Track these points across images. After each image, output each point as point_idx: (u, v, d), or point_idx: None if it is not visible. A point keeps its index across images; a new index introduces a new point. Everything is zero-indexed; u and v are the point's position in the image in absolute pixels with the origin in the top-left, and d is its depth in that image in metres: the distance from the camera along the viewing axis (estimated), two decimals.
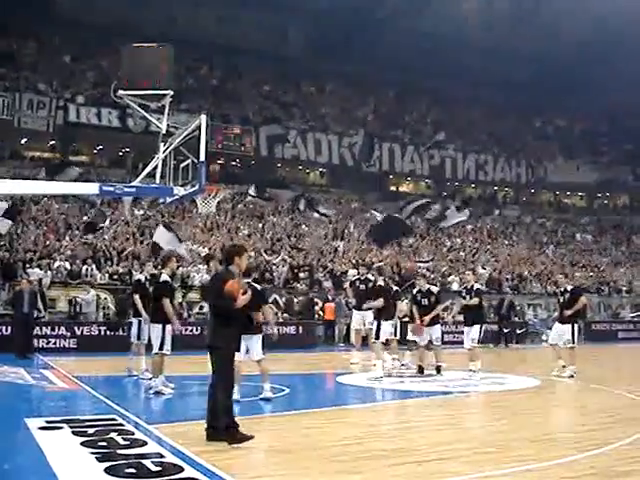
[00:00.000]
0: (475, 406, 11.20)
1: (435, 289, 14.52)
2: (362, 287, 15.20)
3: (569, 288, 14.22)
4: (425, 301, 13.93)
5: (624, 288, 33.72)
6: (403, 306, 15.79)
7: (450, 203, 35.68)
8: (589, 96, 40.84)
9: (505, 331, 25.48)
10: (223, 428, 7.08)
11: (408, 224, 31.17)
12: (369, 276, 15.31)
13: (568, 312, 13.85)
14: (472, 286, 14.26)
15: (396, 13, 38.34)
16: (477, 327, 13.94)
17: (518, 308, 27.80)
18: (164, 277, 11.04)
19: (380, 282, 14.89)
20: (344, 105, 41.78)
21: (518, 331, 26.75)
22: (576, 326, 14.03)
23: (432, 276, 26.16)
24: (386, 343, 14.89)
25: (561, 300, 14.12)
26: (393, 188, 41.66)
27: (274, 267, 25.20)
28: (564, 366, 13.95)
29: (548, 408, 10.54)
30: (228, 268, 7.56)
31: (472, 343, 13.94)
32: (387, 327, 14.58)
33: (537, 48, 38.79)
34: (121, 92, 11.02)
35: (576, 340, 13.97)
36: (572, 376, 13.53)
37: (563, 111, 45.24)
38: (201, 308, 20.79)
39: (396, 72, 39.64)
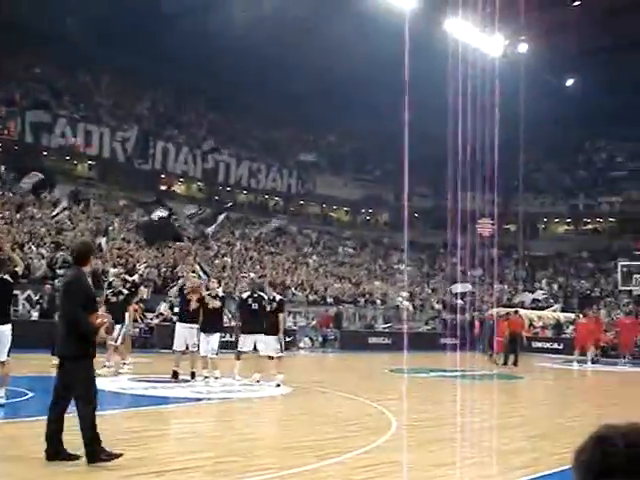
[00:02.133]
0: (224, 414, 11.17)
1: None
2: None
3: (277, 298, 14.47)
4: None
5: (378, 300, 35.68)
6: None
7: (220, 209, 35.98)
8: (361, 115, 42.75)
9: None
10: (87, 444, 6.46)
11: (177, 230, 31.01)
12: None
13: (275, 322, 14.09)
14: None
15: (184, 11, 37.68)
16: (218, 335, 13.97)
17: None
18: None
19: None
20: (120, 98, 40.37)
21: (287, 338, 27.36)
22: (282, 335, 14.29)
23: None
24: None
25: (268, 308, 14.18)
26: (164, 188, 40.91)
27: (31, 262, 23.70)
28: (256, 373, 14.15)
29: (295, 416, 10.76)
30: (80, 269, 6.97)
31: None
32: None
33: (319, 63, 39.81)
34: None
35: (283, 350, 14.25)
36: (279, 385, 13.57)
37: (336, 127, 47.04)
38: None
39: (176, 71, 38.98)
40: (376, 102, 40.06)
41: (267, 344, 13.94)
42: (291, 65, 39.44)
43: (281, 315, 14.29)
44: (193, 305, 13.98)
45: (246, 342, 14.23)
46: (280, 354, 14.06)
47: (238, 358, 14.24)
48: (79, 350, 6.66)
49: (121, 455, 6.56)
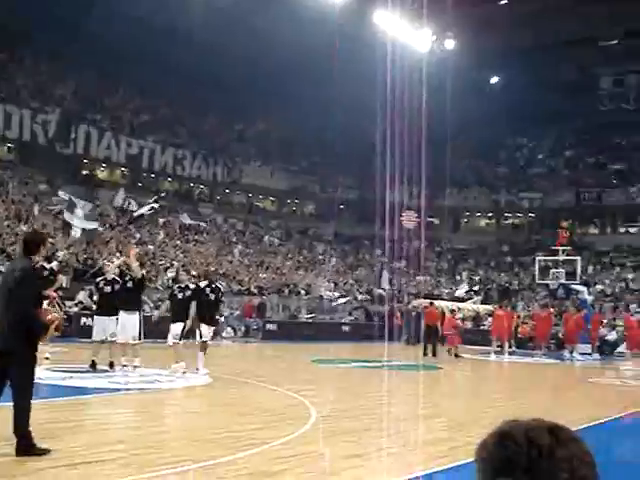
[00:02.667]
0: (141, 405, 10.98)
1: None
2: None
3: (191, 286, 14.35)
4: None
5: (303, 291, 35.79)
6: None
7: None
8: (288, 105, 42.67)
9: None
10: (22, 436, 6.29)
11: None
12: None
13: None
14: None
15: None
16: (137, 317, 13.80)
17: None
18: None
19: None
20: (42, 80, 39.16)
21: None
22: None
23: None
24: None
25: (179, 296, 14.08)
26: (86, 172, 39.92)
27: None
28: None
29: (215, 407, 10.68)
30: (30, 257, 6.69)
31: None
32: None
33: (248, 52, 39.49)
34: None
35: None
36: (184, 373, 13.48)
37: (264, 117, 46.82)
38: None
39: (101, 54, 37.95)
40: (305, 93, 40.08)
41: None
42: (220, 52, 38.96)
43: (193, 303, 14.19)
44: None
45: (206, 332, 14.15)
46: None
47: (204, 349, 14.12)
48: (25, 344, 6.46)
49: (50, 451, 6.45)
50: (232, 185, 45.20)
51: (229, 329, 28.35)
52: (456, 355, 24.43)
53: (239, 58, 39.65)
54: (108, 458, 6.60)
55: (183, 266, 29.90)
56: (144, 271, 15.01)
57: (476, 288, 40.95)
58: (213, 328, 14.62)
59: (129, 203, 35.55)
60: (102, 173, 41.11)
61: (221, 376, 14.11)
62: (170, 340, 13.89)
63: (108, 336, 13.78)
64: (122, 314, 13.64)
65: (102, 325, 13.87)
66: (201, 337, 14.00)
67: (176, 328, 13.88)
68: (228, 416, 9.64)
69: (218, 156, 44.40)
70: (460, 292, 39.94)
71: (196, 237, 37.55)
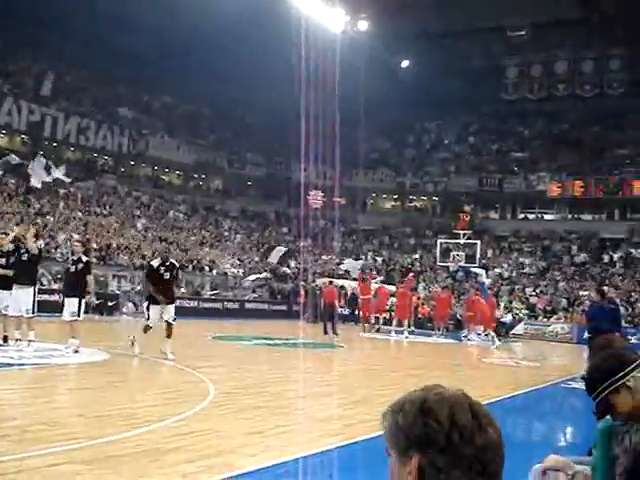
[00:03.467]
0: (35, 380, 10.65)
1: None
2: None
3: (84, 259, 13.84)
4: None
5: (207, 267, 35.50)
6: None
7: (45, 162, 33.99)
8: (197, 79, 41.96)
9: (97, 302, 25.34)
10: None
11: None
12: None
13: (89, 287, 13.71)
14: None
15: None
16: (32, 290, 13.37)
17: (102, 279, 27.66)
18: None
19: None
20: None
21: (110, 303, 26.79)
22: (83, 300, 13.66)
23: None
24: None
25: (72, 269, 13.72)
26: None
27: None
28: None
29: (111, 383, 10.44)
30: None
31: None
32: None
33: (157, 21, 38.50)
34: None
35: (82, 314, 13.60)
36: (77, 351, 13.00)
37: (171, 89, 45.90)
38: None
39: (4, 19, 36.39)
40: (215, 66, 39.49)
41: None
42: (127, 20, 37.87)
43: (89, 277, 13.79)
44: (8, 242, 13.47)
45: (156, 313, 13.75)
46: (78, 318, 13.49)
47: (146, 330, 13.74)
48: None
49: None
50: (137, 157, 44.22)
51: (130, 305, 27.83)
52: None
53: (147, 28, 38.64)
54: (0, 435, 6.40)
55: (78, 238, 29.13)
56: (41, 244, 14.49)
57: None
58: (173, 306, 14.10)
59: (49, 169, 33.91)
60: (1, 140, 39.48)
61: (119, 352, 13.85)
62: (67, 316, 13.40)
63: (2, 309, 13.33)
64: (16, 288, 13.19)
65: None
66: (173, 319, 13.69)
67: (72, 303, 13.42)
68: (124, 393, 9.48)
69: (124, 127, 43.28)
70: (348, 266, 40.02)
71: (98, 209, 36.61)
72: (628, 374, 2.79)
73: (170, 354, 13.32)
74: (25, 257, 13.31)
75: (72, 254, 14.30)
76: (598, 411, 2.93)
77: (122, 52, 39.55)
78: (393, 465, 1.34)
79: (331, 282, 27.90)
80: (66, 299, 13.64)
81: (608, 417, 2.95)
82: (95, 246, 29.95)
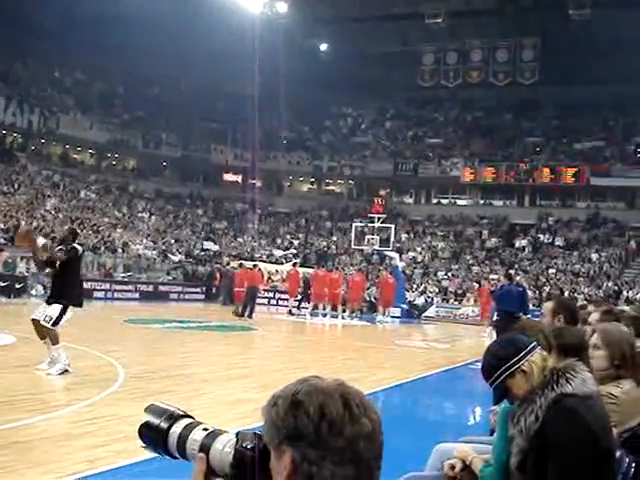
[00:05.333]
0: None
1: None
2: None
3: None
4: None
5: (120, 249, 34.84)
6: None
7: None
8: (111, 56, 40.90)
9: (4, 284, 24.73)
10: None
11: None
12: None
13: None
14: None
15: None
16: None
17: (10, 261, 26.86)
18: None
19: None
20: None
21: (17, 285, 26.08)
22: None
23: None
24: None
25: None
26: None
27: None
28: None
29: (16, 368, 10.15)
30: None
31: None
32: None
33: None
34: None
35: None
36: None
37: (84, 67, 44.56)
38: None
39: None
40: (129, 43, 38.53)
41: None
42: None
43: None
44: None
45: None
46: None
47: None
48: None
49: None
50: (48, 135, 42.86)
51: (39, 287, 27.07)
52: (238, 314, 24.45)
53: (59, 2, 37.47)
54: None
55: None
56: None
57: (293, 251, 41.69)
58: None
59: None
60: None
61: (24, 336, 13.47)
62: None
63: None
64: None
65: None
66: None
67: None
68: (29, 377, 9.23)
69: (34, 104, 41.84)
70: (278, 253, 40.58)
71: (5, 188, 35.40)
72: (522, 359, 2.89)
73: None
74: None
75: None
76: (496, 396, 3.02)
77: (32, 26, 38.19)
78: (272, 462, 1.35)
79: (255, 265, 27.87)
80: None
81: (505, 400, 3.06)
82: (2, 226, 28.97)
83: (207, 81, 44.11)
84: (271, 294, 34.36)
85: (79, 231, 13.24)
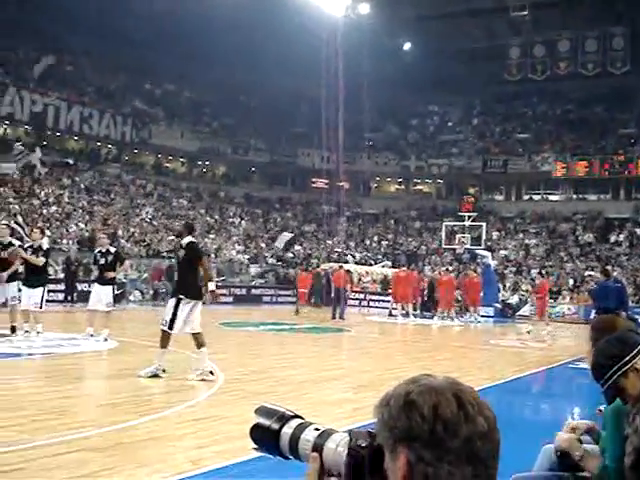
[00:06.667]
0: (44, 370, 10.69)
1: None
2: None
3: (112, 250, 14.24)
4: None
5: (212, 254, 35.54)
6: None
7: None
8: (199, 66, 41.91)
9: None
10: None
11: None
12: None
13: (111, 274, 13.86)
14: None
15: None
16: (41, 289, 13.40)
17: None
18: None
19: None
20: None
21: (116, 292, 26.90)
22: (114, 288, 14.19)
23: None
24: None
25: (101, 261, 13.90)
26: None
27: None
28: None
29: (120, 371, 10.45)
30: None
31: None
32: None
33: (160, 9, 38.40)
34: None
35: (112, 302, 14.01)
36: (106, 339, 13.28)
37: (173, 77, 45.84)
38: None
39: (7, 7, 36.32)
40: (217, 53, 39.40)
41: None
42: (129, 8, 37.83)
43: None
44: (17, 267, 13.50)
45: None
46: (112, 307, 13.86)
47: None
48: None
49: None
50: (141, 145, 44.20)
51: (137, 293, 27.93)
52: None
53: (150, 15, 38.58)
54: (6, 424, 6.43)
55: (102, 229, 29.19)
56: (45, 240, 14.53)
57: (389, 263, 41.40)
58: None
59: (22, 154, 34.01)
60: (4, 130, 39.46)
61: (128, 340, 13.91)
62: (103, 306, 13.61)
63: (9, 299, 13.39)
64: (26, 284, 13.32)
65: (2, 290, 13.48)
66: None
67: (106, 294, 13.72)
68: (132, 380, 9.50)
69: (127, 115, 43.24)
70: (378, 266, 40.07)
71: (102, 198, 36.65)
72: (635, 357, 2.80)
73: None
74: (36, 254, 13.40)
75: (99, 247, 14.44)
76: (608, 396, 2.93)
77: (124, 40, 39.43)
78: (386, 462, 1.34)
79: (341, 267, 27.96)
80: (100, 288, 13.83)
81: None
82: (104, 236, 29.96)
83: (292, 86, 44.52)
84: (362, 295, 34.34)
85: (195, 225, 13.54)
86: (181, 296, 9.76)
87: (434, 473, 1.26)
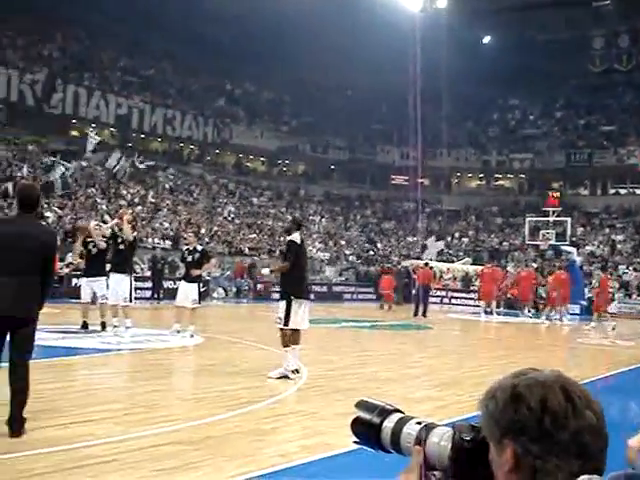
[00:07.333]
0: (133, 365, 11.03)
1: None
2: None
3: (199, 248, 14.40)
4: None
5: None
6: None
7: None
8: (277, 66, 42.31)
9: None
10: (21, 409, 5.78)
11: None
12: None
13: (197, 272, 14.04)
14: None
15: None
16: (127, 280, 13.71)
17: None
18: None
19: None
20: (29, 39, 38.45)
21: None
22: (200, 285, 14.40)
23: None
24: None
25: (189, 259, 14.11)
26: (76, 133, 39.51)
27: None
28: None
29: (205, 367, 10.65)
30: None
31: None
32: None
33: (237, 10, 38.99)
34: None
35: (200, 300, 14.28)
36: (192, 336, 13.47)
37: (252, 77, 46.43)
38: None
39: (90, 12, 37.52)
40: (295, 52, 39.67)
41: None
42: (210, 11, 38.52)
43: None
44: (77, 246, 14.05)
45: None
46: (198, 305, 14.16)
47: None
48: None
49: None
50: (222, 145, 44.95)
51: (220, 290, 28.43)
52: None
53: (229, 18, 39.21)
54: (99, 418, 6.63)
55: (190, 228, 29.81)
56: (135, 233, 14.92)
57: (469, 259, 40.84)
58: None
59: (120, 164, 35.18)
60: (91, 133, 40.64)
61: (212, 336, 14.17)
62: (189, 303, 13.90)
63: (99, 297, 13.82)
64: (113, 276, 13.65)
65: (89, 288, 13.93)
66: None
67: (193, 291, 13.96)
68: (219, 376, 9.68)
69: (208, 116, 44.04)
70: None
71: (185, 197, 37.43)
72: None
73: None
74: (122, 246, 13.70)
75: (187, 244, 14.84)
76: None
77: (204, 42, 40.19)
78: (492, 455, 1.33)
79: (426, 264, 27.79)
80: (187, 286, 14.07)
81: None
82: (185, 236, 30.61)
83: (370, 83, 44.45)
84: (443, 292, 34.04)
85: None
86: (286, 295, 9.47)
87: (542, 466, 1.25)
